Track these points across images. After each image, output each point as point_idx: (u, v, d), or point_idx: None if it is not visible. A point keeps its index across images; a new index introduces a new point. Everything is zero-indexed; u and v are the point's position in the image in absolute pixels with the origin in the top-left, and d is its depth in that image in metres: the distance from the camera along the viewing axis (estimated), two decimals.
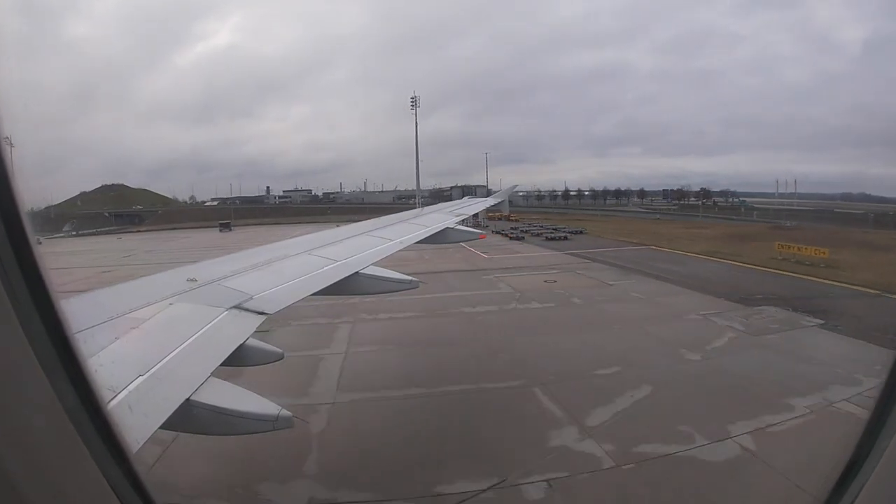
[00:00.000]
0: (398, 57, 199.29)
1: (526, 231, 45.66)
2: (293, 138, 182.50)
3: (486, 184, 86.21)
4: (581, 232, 45.58)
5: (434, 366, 11.61)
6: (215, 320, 3.39)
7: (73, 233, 76.58)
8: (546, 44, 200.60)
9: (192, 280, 4.00)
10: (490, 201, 16.67)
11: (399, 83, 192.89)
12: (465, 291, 19.91)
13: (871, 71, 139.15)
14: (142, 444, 1.89)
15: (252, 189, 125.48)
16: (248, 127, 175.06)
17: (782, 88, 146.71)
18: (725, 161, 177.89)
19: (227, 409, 2.56)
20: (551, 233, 43.85)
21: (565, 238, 41.42)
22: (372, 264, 5.66)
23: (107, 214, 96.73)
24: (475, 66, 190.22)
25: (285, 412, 2.75)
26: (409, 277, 5.87)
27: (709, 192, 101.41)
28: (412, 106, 71.06)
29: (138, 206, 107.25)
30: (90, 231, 78.76)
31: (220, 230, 66.95)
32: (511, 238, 42.53)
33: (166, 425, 2.19)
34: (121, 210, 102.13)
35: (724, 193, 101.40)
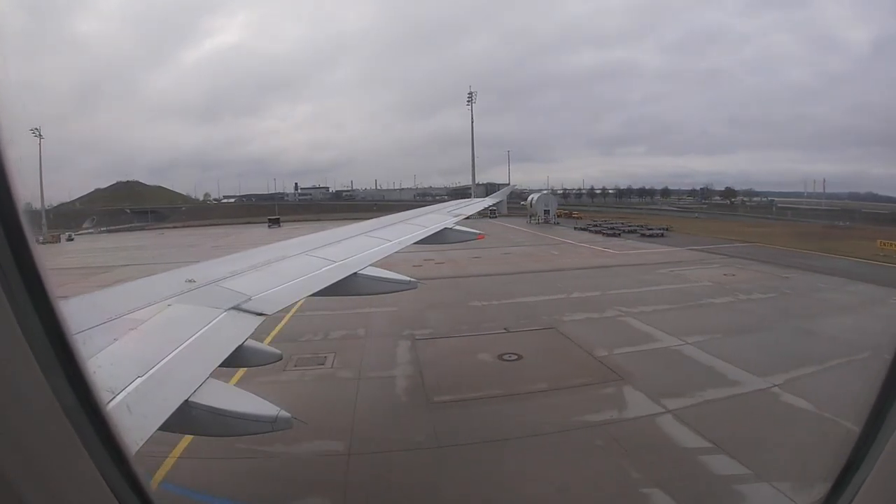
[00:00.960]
0: (403, 56, 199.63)
1: (612, 228, 45.48)
2: (297, 136, 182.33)
3: (508, 181, 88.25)
4: (668, 229, 45.19)
5: (780, 350, 11.99)
6: (214, 321, 3.38)
7: (104, 229, 75.15)
8: (553, 43, 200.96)
9: (190, 281, 3.99)
10: (488, 201, 17.42)
11: (403, 82, 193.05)
12: (672, 285, 20.27)
13: (875, 71, 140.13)
14: (141, 445, 1.88)
15: (257, 187, 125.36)
16: (253, 125, 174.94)
17: (787, 88, 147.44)
18: (728, 160, 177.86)
19: (226, 411, 2.54)
20: (644, 230, 43.77)
21: (661, 235, 41.30)
22: (370, 265, 5.66)
23: (128, 211, 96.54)
24: (481, 65, 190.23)
25: (284, 413, 2.72)
26: (408, 278, 5.88)
27: (734, 191, 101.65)
28: (468, 102, 70.98)
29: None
30: (123, 227, 77.71)
31: (269, 226, 65.55)
32: (607, 235, 42.39)
33: (165, 426, 2.18)
34: (139, 207, 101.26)
35: (748, 193, 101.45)
